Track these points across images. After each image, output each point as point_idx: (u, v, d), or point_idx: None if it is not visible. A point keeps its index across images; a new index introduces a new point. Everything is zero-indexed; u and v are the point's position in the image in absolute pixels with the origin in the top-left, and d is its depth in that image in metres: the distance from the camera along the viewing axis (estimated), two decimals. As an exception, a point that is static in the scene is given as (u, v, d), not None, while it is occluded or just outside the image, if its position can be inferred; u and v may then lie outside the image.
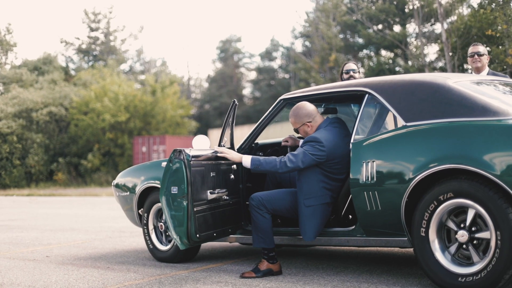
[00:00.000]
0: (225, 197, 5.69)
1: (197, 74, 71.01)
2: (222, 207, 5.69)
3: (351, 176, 5.11)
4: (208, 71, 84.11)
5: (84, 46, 49.91)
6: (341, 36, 42.26)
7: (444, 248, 4.68)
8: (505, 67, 32.54)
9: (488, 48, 34.66)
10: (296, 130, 5.63)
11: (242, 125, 38.64)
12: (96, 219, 12.61)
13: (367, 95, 5.35)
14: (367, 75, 37.01)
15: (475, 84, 5.13)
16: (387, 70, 41.12)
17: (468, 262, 4.56)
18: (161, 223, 6.54)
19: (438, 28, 41.38)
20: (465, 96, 4.81)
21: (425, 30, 40.59)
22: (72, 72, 46.54)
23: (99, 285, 5.41)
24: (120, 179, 7.20)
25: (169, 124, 37.72)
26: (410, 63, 40.54)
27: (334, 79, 40.27)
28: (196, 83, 56.53)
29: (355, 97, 5.76)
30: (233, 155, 5.54)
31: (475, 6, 35.31)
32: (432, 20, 40.79)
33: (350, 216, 5.54)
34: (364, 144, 5.11)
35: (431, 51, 40.64)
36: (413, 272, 5.50)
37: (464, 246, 4.57)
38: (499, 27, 31.94)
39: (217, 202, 5.61)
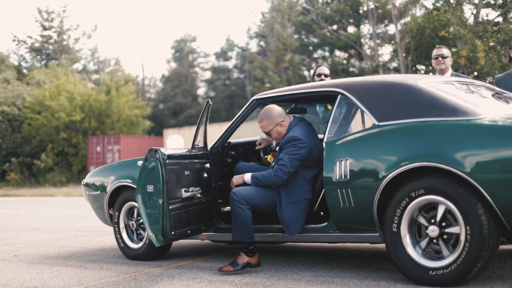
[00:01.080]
0: (199, 195, 5.80)
1: (152, 73, 70.76)
2: (196, 205, 5.80)
3: (324, 174, 5.26)
4: (162, 70, 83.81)
5: (37, 45, 49.30)
6: (296, 36, 42.52)
7: (415, 243, 4.86)
8: (457, 68, 33.18)
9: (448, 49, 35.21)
10: (268, 133, 5.74)
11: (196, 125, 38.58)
12: (57, 218, 12.57)
13: (339, 96, 5.51)
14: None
15: (443, 85, 5.33)
16: (341, 71, 41.56)
17: (438, 256, 4.75)
18: (133, 222, 6.62)
19: (392, 29, 41.95)
20: (435, 97, 5.00)
21: (379, 31, 41.07)
22: (25, 71, 45.94)
23: (75, 283, 5.47)
24: (90, 178, 7.25)
25: (124, 124, 37.52)
26: (364, 63, 41.04)
27: (289, 79, 40.54)
28: (150, 83, 56.36)
29: (327, 98, 5.92)
30: (238, 179, 5.73)
31: (429, 7, 35.96)
32: (386, 21, 41.39)
33: (322, 213, 5.71)
34: (337, 143, 5.27)
35: (385, 52, 41.19)
36: (382, 266, 5.67)
37: (435, 240, 4.75)
38: (452, 29, 32.59)
39: (191, 200, 5.73)
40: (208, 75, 53.84)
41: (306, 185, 5.54)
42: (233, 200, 5.51)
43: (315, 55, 45.22)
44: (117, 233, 6.73)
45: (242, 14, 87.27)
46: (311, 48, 45.26)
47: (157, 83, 56.24)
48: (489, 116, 4.77)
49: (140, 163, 5.75)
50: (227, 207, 6.26)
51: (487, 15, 34.43)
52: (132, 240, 6.68)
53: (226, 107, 48.42)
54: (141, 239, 6.62)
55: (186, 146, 5.98)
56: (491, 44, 31.38)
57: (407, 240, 4.86)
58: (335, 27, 43.16)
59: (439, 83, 5.36)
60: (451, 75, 7.22)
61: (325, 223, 5.44)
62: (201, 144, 6.16)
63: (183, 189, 5.60)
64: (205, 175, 5.93)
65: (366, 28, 43.26)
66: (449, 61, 7.34)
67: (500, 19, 33.57)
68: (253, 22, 61.45)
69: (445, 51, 7.36)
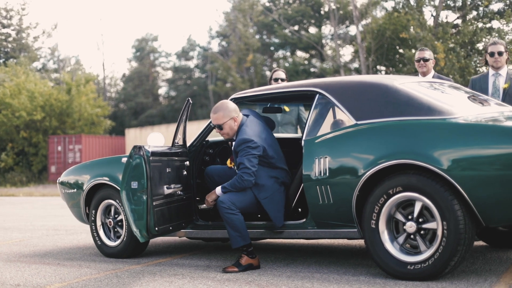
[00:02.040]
0: (179, 192, 5.89)
1: (112, 73, 70.29)
2: (177, 202, 5.90)
3: (303, 171, 5.39)
4: (123, 70, 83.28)
5: (-5, 43, 48.67)
6: (257, 36, 42.66)
7: (393, 238, 5.00)
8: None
9: (401, 50, 35.77)
10: (220, 127, 5.77)
11: (159, 125, 38.55)
12: (24, 218, 12.50)
13: (317, 95, 5.64)
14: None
15: (419, 85, 5.50)
16: (302, 71, 41.83)
17: (416, 251, 4.90)
18: (110, 220, 6.67)
19: (353, 30, 42.32)
20: (412, 97, 5.16)
21: (340, 32, 41.41)
22: (-17, 69, 45.30)
23: (57, 280, 5.51)
24: (66, 176, 7.27)
25: (85, 123, 37.28)
26: (325, 64, 41.37)
27: (251, 79, 40.66)
28: (111, 82, 55.99)
29: (304, 97, 6.06)
30: (211, 196, 5.82)
31: (389, 9, 36.42)
32: (347, 22, 41.76)
33: (300, 210, 5.83)
34: (316, 141, 5.40)
35: (346, 53, 41.62)
36: (358, 262, 5.81)
37: (412, 236, 4.90)
38: (412, 30, 33.02)
39: (172, 197, 5.83)
40: (169, 74, 53.70)
41: (272, 180, 5.69)
42: (223, 208, 5.56)
43: (277, 55, 45.45)
44: (94, 231, 6.76)
45: (204, 13, 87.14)
46: (272, 48, 45.48)
47: (118, 83, 55.96)
48: (464, 115, 4.94)
49: (124, 160, 5.83)
50: (203, 205, 6.34)
51: (446, 17, 34.99)
52: (109, 238, 6.72)
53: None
54: (118, 237, 6.67)
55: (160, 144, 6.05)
56: (451, 45, 31.92)
57: (385, 236, 5.00)
58: (296, 27, 43.42)
59: (415, 83, 5.53)
60: (433, 77, 7.41)
61: (304, 220, 5.56)
62: (181, 142, 6.24)
63: (165, 186, 5.69)
64: (185, 172, 6.02)
65: (327, 29, 43.65)
66: (430, 64, 7.51)
67: (459, 21, 34.14)
68: (216, 21, 61.47)
69: (427, 54, 7.53)
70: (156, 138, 5.82)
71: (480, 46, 31.98)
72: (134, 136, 35.74)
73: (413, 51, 34.02)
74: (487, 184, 4.56)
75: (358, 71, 38.19)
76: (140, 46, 53.53)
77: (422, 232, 4.86)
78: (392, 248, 4.97)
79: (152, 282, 5.25)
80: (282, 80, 8.07)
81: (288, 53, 44.03)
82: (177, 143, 6.13)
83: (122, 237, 6.55)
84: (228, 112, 5.73)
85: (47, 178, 34.09)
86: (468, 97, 5.54)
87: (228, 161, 6.25)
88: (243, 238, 5.59)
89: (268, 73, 44.35)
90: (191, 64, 52.32)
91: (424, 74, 7.50)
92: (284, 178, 5.79)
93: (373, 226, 5.02)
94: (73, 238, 8.70)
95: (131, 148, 5.60)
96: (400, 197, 4.91)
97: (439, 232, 4.72)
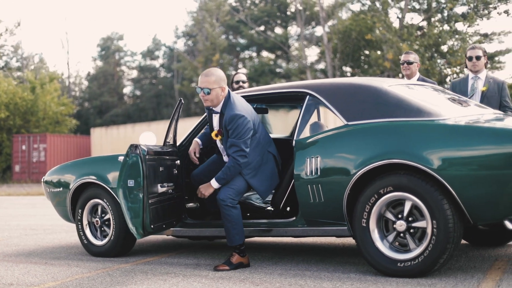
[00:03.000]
0: (171, 191, 5.97)
1: (77, 71, 69.65)
2: (169, 200, 5.98)
3: (295, 171, 5.51)
4: (88, 68, 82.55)
5: (-44, 41, 48.01)
6: (224, 36, 42.72)
7: (383, 237, 5.14)
8: (383, 71, 34.04)
9: (367, 52, 36.08)
10: (207, 91, 5.67)
11: (125, 124, 38.37)
12: (-2, 217, 12.44)
13: (308, 96, 5.77)
14: (249, 75, 37.58)
15: (407, 88, 5.67)
16: (268, 71, 42.02)
17: (405, 249, 5.04)
18: (97, 219, 6.71)
19: (318, 31, 42.61)
20: (401, 99, 5.32)
21: (306, 32, 41.63)
22: None
23: (49, 279, 5.54)
24: (51, 175, 7.28)
25: (49, 122, 37.00)
26: (291, 64, 41.61)
27: (217, 80, 40.63)
28: (76, 81, 55.54)
29: (294, 98, 6.18)
30: (206, 189, 5.81)
31: (355, 10, 36.76)
32: (313, 23, 42.02)
33: (288, 208, 5.95)
34: (307, 141, 5.53)
35: (312, 53, 41.91)
36: (345, 260, 5.94)
37: (402, 234, 5.04)
38: (378, 32, 33.38)
39: (165, 195, 5.90)
40: (134, 74, 53.50)
41: (258, 156, 5.80)
42: (225, 206, 5.61)
43: (243, 56, 45.58)
44: (80, 230, 6.79)
45: (170, 13, 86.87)
46: (238, 48, 45.59)
47: (83, 81, 55.56)
48: (452, 117, 5.11)
49: (121, 158, 5.88)
50: (190, 204, 6.43)
51: (411, 19, 35.42)
52: (95, 237, 6.76)
53: (153, 106, 48.22)
54: (105, 236, 6.71)
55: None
56: (416, 47, 32.36)
57: (375, 235, 5.13)
58: (262, 28, 43.57)
59: (403, 86, 5.69)
60: (418, 79, 7.57)
61: (294, 218, 5.68)
62: (171, 142, 6.29)
63: (159, 185, 5.77)
64: (175, 171, 6.09)
65: (293, 30, 43.89)
66: (415, 67, 7.67)
67: (424, 23, 34.61)
68: (183, 20, 61.31)
69: (412, 57, 7.70)
70: (148, 138, 5.89)
71: (444, 48, 32.51)
72: (99, 136, 35.57)
73: (379, 52, 34.46)
74: (476, 183, 4.73)
75: (324, 72, 38.50)
76: (105, 45, 53.23)
77: (411, 230, 5.01)
78: (382, 246, 5.10)
79: (146, 280, 5.32)
80: (243, 82, 8.36)
81: (254, 54, 44.23)
82: (168, 142, 6.19)
83: (109, 236, 6.59)
84: (220, 80, 5.69)
85: (11, 178, 33.77)
86: (451, 99, 5.71)
87: (214, 133, 5.96)
88: (240, 237, 5.67)
89: (234, 73, 44.25)
90: (157, 63, 52.20)
91: (409, 77, 7.66)
92: (271, 150, 5.94)
93: (364, 224, 5.15)
94: (53, 237, 8.70)
95: (128, 146, 5.69)
96: (391, 197, 5.05)
97: (429, 231, 4.86)
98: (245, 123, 5.59)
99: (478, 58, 7.28)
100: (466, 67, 7.43)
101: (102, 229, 6.74)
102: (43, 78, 37.41)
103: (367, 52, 37.22)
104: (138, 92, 51.99)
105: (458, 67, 32.27)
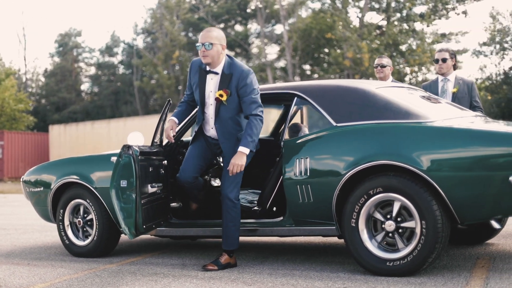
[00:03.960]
0: (159, 191, 5.98)
1: (34, 68, 68.62)
2: (158, 200, 5.98)
3: (284, 171, 5.57)
4: (45, 65, 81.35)
5: None
6: (183, 33, 42.58)
7: (372, 237, 5.23)
8: (343, 69, 34.33)
9: (326, 50, 36.31)
10: (209, 46, 5.50)
11: (84, 121, 38.01)
12: (-37, 217, 12.27)
13: (296, 98, 5.83)
14: None
15: (393, 90, 5.78)
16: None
17: (393, 248, 5.13)
18: (79, 219, 6.68)
19: (278, 28, 42.69)
20: (389, 101, 5.42)
21: (266, 30, 41.71)
22: None
23: (37, 280, 5.50)
24: (31, 175, 7.22)
25: (6, 119, 36.49)
26: (251, 62, 41.65)
27: (177, 76, 40.52)
28: (33, 77, 54.75)
29: (281, 99, 6.24)
30: (240, 160, 5.50)
31: (315, 9, 37.01)
32: (273, 21, 42.14)
33: (275, 208, 6.01)
34: (297, 142, 5.61)
35: (272, 51, 42.04)
36: (330, 260, 6.02)
37: (390, 234, 5.14)
38: (338, 31, 33.65)
39: (154, 195, 5.91)
40: (92, 70, 52.97)
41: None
42: (230, 207, 5.61)
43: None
44: (62, 230, 6.76)
45: (129, 10, 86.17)
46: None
47: (40, 78, 54.81)
48: (438, 119, 5.23)
49: (113, 159, 5.86)
50: (173, 203, 6.42)
51: (371, 19, 35.77)
52: (77, 238, 6.74)
53: (111, 104, 47.83)
54: (87, 237, 6.69)
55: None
56: (375, 46, 32.71)
57: (365, 235, 5.22)
58: (222, 25, 43.53)
59: (389, 88, 5.80)
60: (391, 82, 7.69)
61: (281, 218, 5.74)
62: (158, 141, 6.29)
63: (149, 185, 5.77)
64: (163, 171, 6.09)
65: (253, 27, 43.95)
66: (388, 70, 7.82)
67: (384, 22, 35.00)
68: (142, 18, 60.87)
69: (385, 60, 7.86)
70: (136, 138, 5.86)
71: (403, 47, 32.94)
72: (58, 133, 35.15)
73: (339, 51, 34.77)
74: (464, 184, 4.85)
75: (284, 70, 38.65)
76: (63, 41, 52.59)
77: (400, 230, 5.10)
78: (371, 246, 5.19)
79: (137, 281, 5.32)
80: None
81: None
82: (156, 142, 6.19)
83: (92, 236, 6.58)
84: (221, 37, 5.62)
85: (-32, 175, 33.25)
86: (425, 98, 5.88)
87: (219, 93, 5.62)
88: (238, 240, 5.74)
89: None
90: (115, 60, 51.77)
91: (382, 80, 7.78)
92: None
93: (353, 224, 5.22)
94: (28, 237, 8.62)
95: (121, 146, 5.68)
96: (380, 198, 5.13)
97: (418, 231, 4.96)
98: (255, 79, 5.64)
99: (444, 60, 7.42)
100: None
101: (84, 229, 6.71)
102: (-1, 74, 36.90)
103: (327, 50, 37.53)
104: (96, 89, 51.51)
105: (417, 66, 32.74)
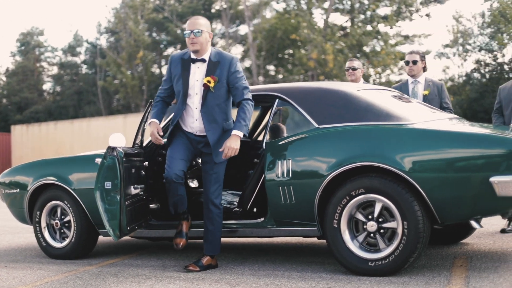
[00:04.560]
0: (141, 193, 5.96)
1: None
2: (139, 202, 5.96)
3: (266, 172, 5.60)
4: (7, 64, 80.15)
5: None
6: (147, 33, 42.32)
7: (353, 237, 5.28)
8: (307, 70, 34.44)
9: (298, 51, 36.37)
10: (199, 33, 5.49)
11: (47, 122, 37.62)
12: None
13: (277, 100, 5.87)
14: None
15: (373, 92, 5.85)
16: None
17: (375, 248, 5.20)
18: (56, 221, 6.63)
19: (243, 29, 42.63)
20: (370, 103, 5.49)
21: (231, 30, 41.68)
22: None
23: (18, 283, 5.45)
24: (7, 176, 7.14)
25: (-33, 119, 36.00)
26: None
27: (141, 76, 40.23)
28: (-6, 77, 53.91)
29: (262, 101, 6.27)
30: (235, 144, 5.45)
31: (280, 10, 37.11)
32: (238, 22, 42.14)
33: (255, 209, 6.03)
34: (279, 143, 5.64)
35: (236, 52, 42.01)
36: (308, 260, 6.06)
37: (372, 235, 5.20)
38: (302, 32, 33.76)
39: (137, 197, 5.88)
40: (55, 70, 52.37)
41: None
42: (218, 212, 5.67)
43: (167, 53, 45.23)
44: (38, 232, 6.70)
45: (92, 9, 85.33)
46: (162, 45, 45.23)
47: (1, 77, 53.98)
48: (419, 121, 5.32)
49: (98, 160, 5.85)
50: (152, 205, 6.38)
51: (335, 20, 35.97)
52: (54, 239, 6.69)
53: (74, 104, 47.37)
54: (64, 238, 6.65)
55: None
56: (339, 47, 32.92)
57: (346, 235, 5.27)
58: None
59: (369, 90, 5.88)
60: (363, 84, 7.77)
61: (262, 219, 5.77)
62: (139, 143, 6.27)
63: (132, 186, 5.74)
64: (143, 173, 6.06)
65: (218, 27, 43.88)
66: (359, 73, 7.94)
67: (348, 24, 35.25)
68: (106, 17, 60.36)
69: (356, 63, 7.98)
70: (118, 139, 5.79)
71: (367, 49, 33.23)
72: (20, 133, 34.71)
73: (303, 51, 34.92)
74: (445, 185, 4.93)
75: (248, 70, 38.68)
76: (25, 40, 51.87)
77: (381, 231, 5.17)
78: (353, 246, 5.24)
79: (119, 283, 5.30)
80: None
81: (178, 51, 43.84)
82: (137, 144, 6.17)
83: (70, 238, 6.54)
84: (209, 26, 5.66)
85: None
86: (394, 97, 5.97)
87: (207, 79, 5.56)
88: (220, 245, 5.78)
89: (157, 70, 44.11)
90: (78, 59, 51.27)
91: (353, 82, 7.86)
92: None
93: (335, 225, 5.27)
94: (0, 239, 8.53)
95: (106, 148, 5.67)
96: (362, 199, 5.19)
97: (399, 231, 5.03)
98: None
99: (414, 62, 7.52)
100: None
101: (62, 231, 6.66)
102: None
103: (291, 51, 37.67)
104: (59, 89, 50.94)
105: (381, 68, 33.03)
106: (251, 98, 5.61)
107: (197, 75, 5.61)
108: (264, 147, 5.74)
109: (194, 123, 5.65)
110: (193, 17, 5.65)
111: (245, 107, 5.54)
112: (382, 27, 33.48)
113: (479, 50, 29.09)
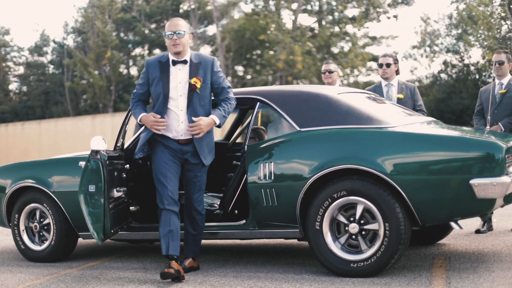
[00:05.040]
0: (123, 195, 5.95)
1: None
2: (122, 204, 5.95)
3: (248, 175, 5.64)
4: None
5: None
6: (115, 33, 42.01)
7: (335, 239, 5.34)
8: (276, 71, 34.49)
9: (266, 52, 36.35)
10: (181, 34, 5.45)
11: (14, 122, 37.25)
12: None
13: (258, 103, 5.92)
14: (140, 73, 36.58)
15: (353, 96, 5.92)
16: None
17: (357, 250, 5.26)
18: (35, 224, 6.60)
19: (211, 30, 42.48)
20: (352, 107, 5.56)
21: (199, 31, 41.55)
22: None
23: None
24: (-16, 179, 7.08)
25: None
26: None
27: (109, 77, 39.83)
28: (-43, 76, 53.11)
29: (243, 104, 6.31)
30: (210, 124, 5.48)
31: (248, 11, 37.11)
32: (206, 22, 42.05)
33: (236, 211, 6.07)
34: (260, 146, 5.69)
35: (205, 52, 41.96)
36: (289, 261, 6.10)
37: (353, 236, 5.27)
38: (271, 33, 33.80)
39: (119, 199, 5.87)
40: (21, 70, 51.77)
41: None
42: (201, 218, 5.67)
43: (134, 53, 44.97)
44: (17, 235, 6.66)
45: (59, 8, 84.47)
46: (130, 46, 44.95)
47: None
48: (399, 124, 5.40)
49: (81, 163, 5.74)
50: (132, 207, 6.36)
51: (304, 21, 36.08)
52: (33, 242, 6.65)
53: (41, 104, 46.86)
54: (43, 241, 6.62)
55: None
56: (308, 48, 33.05)
57: (329, 237, 5.33)
58: (154, 25, 43.16)
59: (350, 94, 5.96)
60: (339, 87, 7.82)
61: (244, 221, 5.80)
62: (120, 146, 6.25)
63: (115, 189, 5.72)
64: (125, 175, 6.05)
65: (186, 28, 43.70)
66: (335, 75, 7.99)
67: (316, 25, 35.40)
68: (73, 17, 59.80)
69: (332, 66, 8.05)
70: (99, 142, 5.73)
71: (335, 50, 33.44)
72: (-13, 133, 34.29)
73: (271, 52, 35.00)
74: (425, 187, 5.03)
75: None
76: (-10, 39, 51.30)
77: (363, 232, 5.23)
78: (335, 248, 5.30)
79: (102, 286, 5.31)
80: None
81: (146, 51, 43.68)
82: (119, 147, 6.15)
83: (49, 241, 6.51)
84: (187, 26, 5.66)
85: None
86: (374, 100, 6.06)
87: (194, 80, 5.51)
88: (200, 246, 5.80)
89: (125, 71, 43.83)
90: (45, 59, 50.74)
91: (330, 85, 7.91)
92: None
93: (317, 227, 5.33)
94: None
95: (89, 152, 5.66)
96: (344, 201, 5.26)
97: (381, 233, 5.11)
98: None
99: (388, 65, 7.50)
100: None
101: (41, 234, 6.63)
102: None
103: (260, 52, 37.71)
104: (25, 89, 50.37)
105: (349, 69, 33.24)
106: (234, 97, 5.66)
107: (180, 77, 5.53)
108: (245, 150, 5.76)
109: (179, 126, 5.51)
110: (174, 19, 5.63)
111: (229, 102, 5.60)
112: (350, 28, 33.69)
113: (446, 52, 29.49)
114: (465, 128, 6.42)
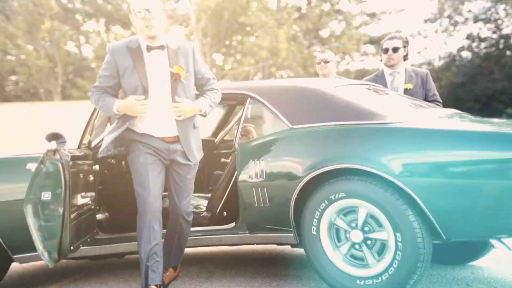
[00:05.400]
0: (89, 202, 5.60)
1: None
2: (86, 213, 5.58)
3: (238, 174, 5.57)
4: None
5: None
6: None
7: (335, 247, 5.16)
8: (259, 61, 34.17)
9: (247, 38, 36.09)
10: (154, 11, 5.02)
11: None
12: None
13: (249, 99, 5.84)
14: (97, 55, 33.42)
15: (353, 88, 5.84)
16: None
17: (362, 263, 5.03)
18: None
19: (183, 7, 40.39)
20: (350, 101, 5.40)
21: (168, 8, 38.61)
22: None
23: None
24: None
25: None
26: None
27: (52, 55, 34.54)
28: None
29: (233, 100, 6.23)
30: (195, 109, 5.22)
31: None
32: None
33: (225, 213, 6.02)
34: (252, 144, 5.61)
35: (178, 36, 41.20)
36: (282, 273, 6.03)
37: (357, 246, 5.05)
38: (253, 14, 33.36)
39: (83, 207, 5.49)
40: None
41: None
42: (187, 225, 5.51)
43: (86, 28, 39.64)
44: None
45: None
46: (79, 18, 39.51)
47: None
48: (408, 119, 5.16)
49: (30, 166, 5.22)
50: (99, 215, 6.10)
51: (289, 1, 35.61)
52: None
53: None
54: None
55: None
56: (293, 33, 32.61)
57: (327, 244, 5.16)
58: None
59: (348, 86, 5.87)
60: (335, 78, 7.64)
61: (233, 224, 5.70)
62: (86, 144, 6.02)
63: (79, 195, 5.34)
64: (92, 178, 5.74)
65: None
66: (332, 65, 7.70)
67: (304, 3, 34.81)
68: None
69: (328, 55, 7.74)
70: (56, 138, 5.21)
71: (324, 33, 33.07)
72: None
73: (253, 38, 34.60)
74: (446, 192, 4.67)
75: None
76: None
77: (368, 242, 5.00)
78: (336, 259, 5.11)
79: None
80: None
81: (103, 27, 39.11)
82: (84, 144, 5.91)
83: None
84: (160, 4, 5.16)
85: None
86: (376, 92, 5.97)
87: (177, 67, 5.17)
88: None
89: (76, 50, 38.67)
90: None
91: (325, 76, 7.68)
92: None
93: (314, 232, 5.16)
94: None
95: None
96: (343, 203, 5.06)
97: (391, 244, 4.81)
98: None
99: (395, 50, 7.06)
100: (381, 60, 7.31)
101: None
102: None
103: (240, 37, 37.15)
104: None
105: (340, 55, 32.94)
106: (220, 89, 5.49)
107: (159, 64, 5.10)
108: (236, 147, 5.70)
109: (162, 119, 5.16)
110: (158, 4, 5.10)
111: (216, 93, 5.40)
112: (344, 5, 32.63)
113: (474, 22, 26.80)
114: (499, 120, 6.00)
